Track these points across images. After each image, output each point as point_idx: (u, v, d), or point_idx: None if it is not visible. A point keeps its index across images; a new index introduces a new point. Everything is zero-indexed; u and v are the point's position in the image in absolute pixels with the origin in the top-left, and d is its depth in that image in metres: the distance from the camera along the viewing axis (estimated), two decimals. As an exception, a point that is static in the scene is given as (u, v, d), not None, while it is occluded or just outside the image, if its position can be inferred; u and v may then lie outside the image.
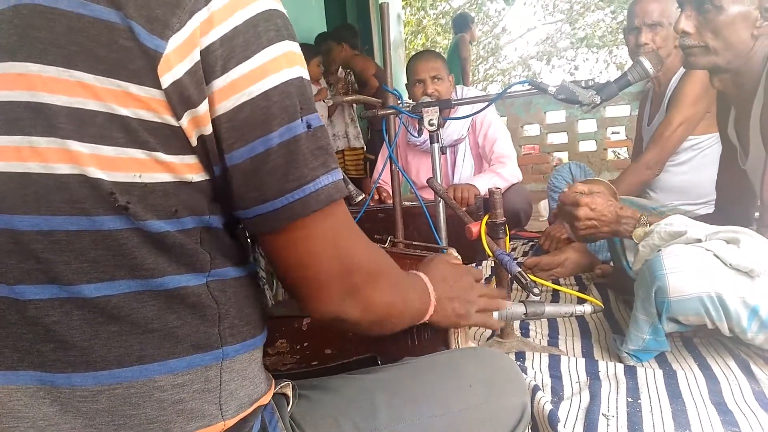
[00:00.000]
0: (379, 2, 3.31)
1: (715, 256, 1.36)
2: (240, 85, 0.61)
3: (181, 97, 0.60)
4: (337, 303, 0.70)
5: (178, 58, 0.59)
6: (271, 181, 0.63)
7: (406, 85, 3.07)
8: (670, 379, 1.42)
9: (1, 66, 0.60)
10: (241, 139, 0.62)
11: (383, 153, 3.29)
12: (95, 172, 0.60)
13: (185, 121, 0.61)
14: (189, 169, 0.63)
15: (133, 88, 0.59)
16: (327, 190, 0.65)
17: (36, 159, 0.60)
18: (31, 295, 0.62)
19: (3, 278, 0.62)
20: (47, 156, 0.59)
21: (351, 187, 1.08)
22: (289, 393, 0.78)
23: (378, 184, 2.97)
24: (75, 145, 0.59)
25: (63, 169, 0.60)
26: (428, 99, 2.52)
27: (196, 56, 0.60)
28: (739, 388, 1.35)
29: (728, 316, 1.35)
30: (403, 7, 12.72)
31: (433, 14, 17.30)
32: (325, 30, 5.84)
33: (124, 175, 0.60)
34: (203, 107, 0.61)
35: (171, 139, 0.61)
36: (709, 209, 2.25)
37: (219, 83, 0.61)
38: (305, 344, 1.13)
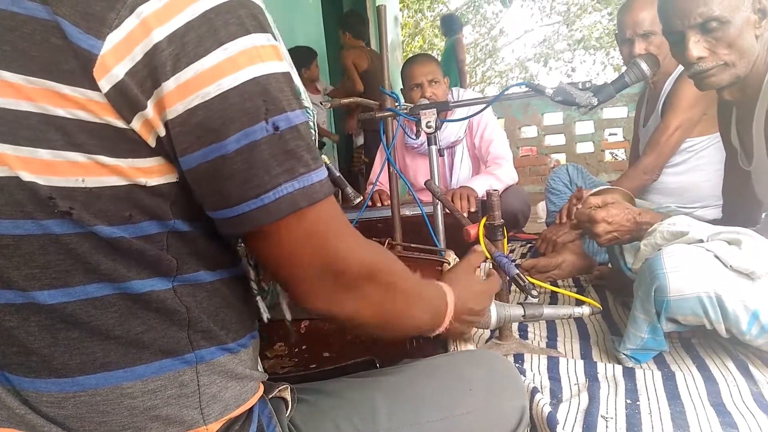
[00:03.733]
0: (376, 4, 3.31)
1: (716, 257, 1.36)
2: (192, 87, 0.55)
3: (126, 100, 0.56)
4: (325, 301, 0.67)
5: (116, 58, 0.54)
6: (229, 188, 0.59)
7: (401, 89, 3.07)
8: (669, 380, 1.42)
9: None
10: (195, 144, 0.57)
11: (380, 155, 3.29)
12: (27, 176, 0.57)
13: (137, 124, 0.57)
14: (143, 172, 0.59)
15: (66, 90, 0.55)
16: (290, 197, 0.60)
17: None
18: None
19: None
20: None
21: (349, 189, 1.08)
22: (288, 397, 0.77)
23: (376, 187, 2.97)
24: (1, 148, 0.56)
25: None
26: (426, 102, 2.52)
27: (137, 55, 0.55)
28: (738, 389, 1.35)
29: (726, 318, 1.35)
30: (401, 9, 12.76)
31: (431, 16, 17.31)
32: (322, 32, 5.85)
33: (65, 180, 0.57)
34: (150, 110, 0.56)
35: (115, 141, 0.57)
36: (705, 212, 2.25)
37: (169, 85, 0.55)
38: (303, 347, 1.13)
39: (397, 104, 1.91)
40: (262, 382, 0.74)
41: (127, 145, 0.58)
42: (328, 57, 6.00)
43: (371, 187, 3.00)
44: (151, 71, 0.55)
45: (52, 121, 0.56)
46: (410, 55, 7.91)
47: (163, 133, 0.58)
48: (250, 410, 0.71)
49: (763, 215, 1.69)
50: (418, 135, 1.95)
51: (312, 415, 0.78)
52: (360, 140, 5.21)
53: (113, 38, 0.54)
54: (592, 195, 1.70)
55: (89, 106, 0.56)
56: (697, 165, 2.33)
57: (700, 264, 1.36)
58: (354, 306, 0.69)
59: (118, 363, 0.62)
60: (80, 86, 0.55)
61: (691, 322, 1.42)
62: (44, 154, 0.56)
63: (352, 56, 4.88)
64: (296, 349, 1.10)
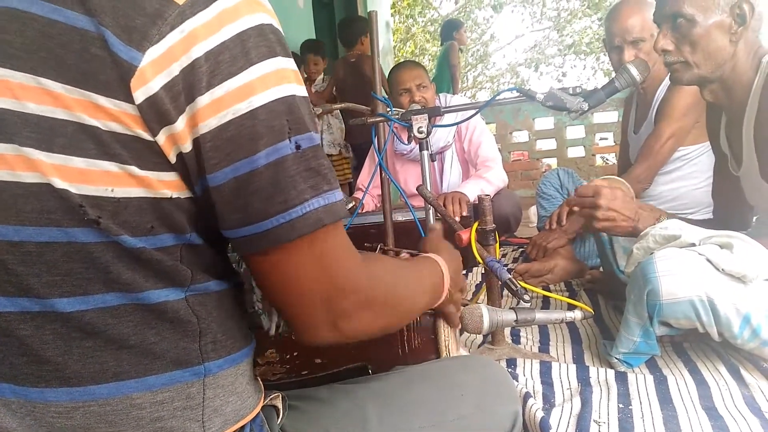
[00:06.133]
0: (368, 10, 3.32)
1: (708, 260, 1.36)
2: (226, 103, 0.58)
3: (156, 113, 0.57)
4: (326, 329, 0.65)
5: (154, 71, 0.56)
6: (255, 203, 0.60)
7: (388, 95, 3.08)
8: (661, 384, 1.42)
9: None
10: (226, 159, 0.59)
11: (369, 161, 3.30)
12: (60, 183, 0.57)
13: (162, 138, 0.58)
14: (167, 185, 0.60)
15: (102, 100, 0.56)
16: (316, 213, 0.61)
17: (3, 167, 0.57)
18: (1, 308, 0.60)
19: None
20: (13, 164, 0.57)
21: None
22: (279, 405, 0.77)
23: (365, 195, 2.98)
24: (35, 154, 0.57)
25: (29, 177, 0.57)
26: (416, 106, 2.53)
27: (174, 71, 0.57)
28: (730, 393, 1.35)
29: (718, 321, 1.36)
30: (392, 15, 12.79)
31: (422, 22, 17.38)
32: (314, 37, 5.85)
33: (95, 189, 0.58)
34: (180, 124, 0.58)
35: (144, 153, 0.59)
36: (696, 216, 2.26)
37: (204, 100, 0.58)
38: (295, 354, 1.13)
39: (388, 109, 1.91)
40: (261, 398, 0.74)
41: (154, 158, 0.59)
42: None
43: (364, 192, 3.00)
44: (187, 86, 0.57)
45: (88, 130, 0.57)
46: (402, 60, 7.91)
47: (188, 149, 0.59)
48: None
49: (754, 219, 1.70)
50: (409, 140, 1.95)
51: (303, 422, 0.77)
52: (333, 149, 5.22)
53: (153, 53, 0.56)
54: (599, 179, 1.72)
55: (122, 118, 0.57)
56: (690, 173, 2.33)
57: (692, 268, 1.36)
58: (357, 328, 0.68)
59: (129, 373, 0.62)
60: (115, 97, 0.56)
61: (684, 326, 1.42)
62: (78, 162, 0.57)
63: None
64: (288, 356, 1.09)
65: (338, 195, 0.64)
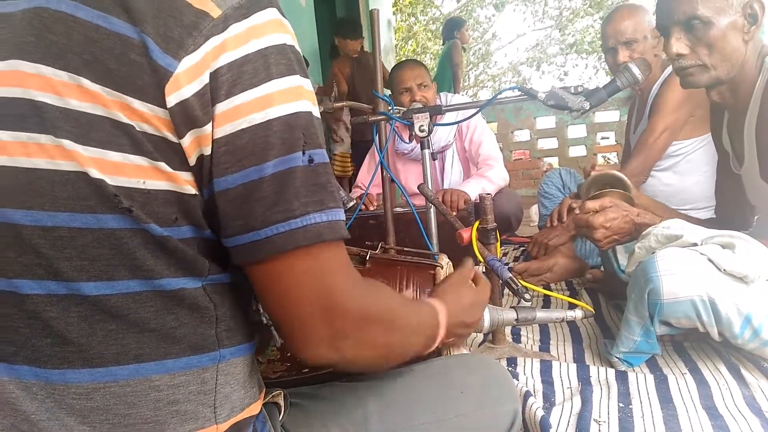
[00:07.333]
0: (370, 8, 3.33)
1: (710, 260, 1.36)
2: (242, 111, 0.61)
3: (186, 117, 0.60)
4: (324, 347, 0.65)
5: (188, 79, 0.60)
6: (257, 210, 0.62)
7: (390, 95, 3.08)
8: (661, 383, 1.42)
9: (13, 63, 0.61)
10: (236, 165, 0.62)
11: (369, 160, 3.29)
12: (96, 174, 0.60)
13: (188, 140, 0.61)
14: (189, 183, 0.63)
15: (137, 104, 0.60)
16: (317, 228, 0.63)
17: (43, 155, 0.60)
18: (29, 290, 0.62)
19: (2, 272, 0.62)
20: (52, 153, 0.60)
21: (342, 193, 1.07)
22: (281, 402, 0.77)
23: (359, 192, 2.98)
24: (72, 146, 0.59)
25: (66, 166, 0.60)
26: (417, 105, 2.53)
27: (205, 79, 0.60)
28: (730, 392, 1.35)
29: (719, 321, 1.36)
30: (394, 14, 12.77)
31: (424, 20, 17.36)
32: (316, 37, 5.85)
33: (128, 181, 0.61)
34: (208, 128, 0.61)
35: (170, 153, 0.62)
36: (697, 214, 2.26)
37: (222, 107, 0.61)
38: (296, 352, 1.13)
39: (390, 108, 1.91)
40: (262, 391, 0.75)
41: (177, 158, 0.62)
42: (321, 62, 5.99)
43: (360, 191, 3.00)
44: (211, 92, 0.61)
45: (123, 128, 0.60)
46: (404, 59, 7.91)
47: (208, 152, 0.62)
48: None
49: (755, 218, 1.70)
50: (410, 139, 1.95)
51: (304, 420, 0.78)
52: (339, 148, 5.27)
53: (188, 61, 0.60)
54: (589, 199, 1.70)
55: (153, 121, 0.60)
56: (687, 168, 2.34)
57: (693, 267, 1.36)
58: (354, 350, 0.68)
59: (150, 355, 0.64)
60: (149, 101, 0.60)
61: (684, 326, 1.42)
62: (114, 156, 0.60)
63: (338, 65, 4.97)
64: (288, 354, 1.09)
65: (342, 214, 0.66)
